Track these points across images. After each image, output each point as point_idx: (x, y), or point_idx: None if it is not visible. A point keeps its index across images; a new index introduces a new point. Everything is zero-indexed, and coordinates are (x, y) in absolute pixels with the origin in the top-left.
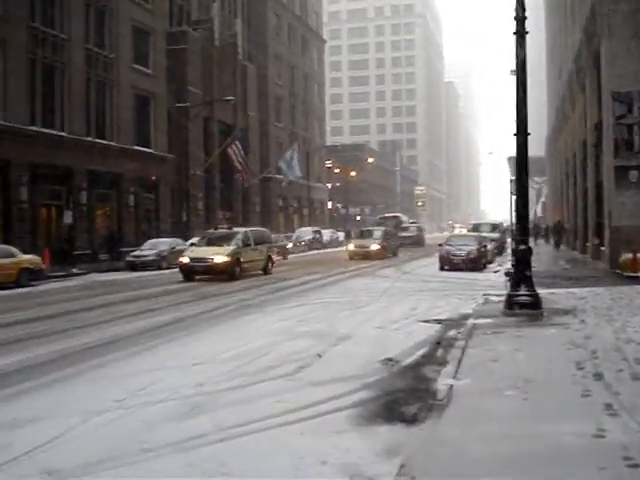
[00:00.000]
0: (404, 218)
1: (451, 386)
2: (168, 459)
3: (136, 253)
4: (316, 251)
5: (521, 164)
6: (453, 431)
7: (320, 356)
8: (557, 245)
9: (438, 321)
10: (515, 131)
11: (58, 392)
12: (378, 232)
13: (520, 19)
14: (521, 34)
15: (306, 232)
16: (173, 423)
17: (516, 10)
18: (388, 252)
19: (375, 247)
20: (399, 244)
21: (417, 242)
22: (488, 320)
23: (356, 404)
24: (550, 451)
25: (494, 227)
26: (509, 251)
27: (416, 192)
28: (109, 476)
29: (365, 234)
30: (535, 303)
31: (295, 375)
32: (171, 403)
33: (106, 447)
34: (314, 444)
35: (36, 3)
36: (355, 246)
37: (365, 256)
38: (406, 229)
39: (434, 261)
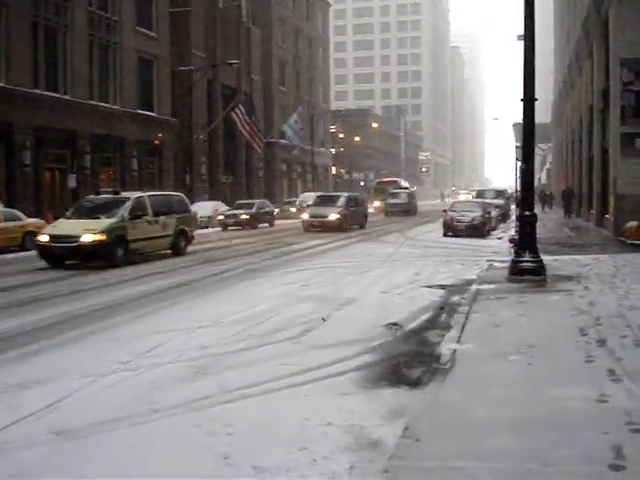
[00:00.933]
0: (404, 183)
1: (454, 350)
2: (175, 419)
3: None
4: None
5: (527, 130)
6: (457, 395)
7: (324, 320)
8: (567, 213)
9: (442, 286)
10: (522, 97)
11: (64, 354)
12: (341, 199)
13: None
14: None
15: (309, 197)
16: (179, 385)
17: None
18: (351, 223)
19: (334, 217)
20: (365, 213)
21: (407, 210)
22: (492, 286)
23: (360, 367)
24: (554, 415)
25: (498, 194)
26: (513, 218)
27: (420, 158)
28: (118, 436)
29: (325, 201)
30: (539, 269)
31: (300, 338)
32: (177, 365)
33: (113, 408)
34: (319, 406)
35: None
36: (310, 215)
37: (322, 228)
38: (395, 195)
39: (414, 236)
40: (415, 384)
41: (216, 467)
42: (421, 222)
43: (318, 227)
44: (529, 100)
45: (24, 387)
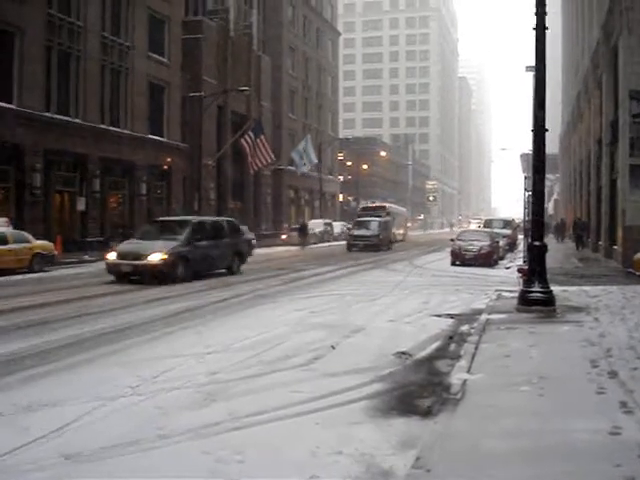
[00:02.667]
0: (396, 208)
1: (465, 380)
2: (184, 445)
3: None
4: (327, 243)
5: (537, 161)
6: (467, 425)
7: (334, 347)
8: (578, 245)
9: (450, 315)
10: (531, 128)
11: (72, 377)
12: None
13: (540, 14)
14: (541, 29)
15: (317, 224)
16: (188, 411)
17: (536, 5)
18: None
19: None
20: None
21: (375, 245)
22: (501, 316)
23: (371, 396)
24: (566, 447)
25: (506, 223)
26: (520, 248)
27: (427, 187)
28: (126, 461)
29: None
30: (549, 300)
31: (310, 365)
32: (185, 391)
33: (122, 432)
34: (330, 434)
35: None
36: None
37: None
38: (361, 225)
39: (422, 265)
40: (426, 414)
41: None
42: (428, 251)
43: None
44: (539, 131)
45: (33, 409)
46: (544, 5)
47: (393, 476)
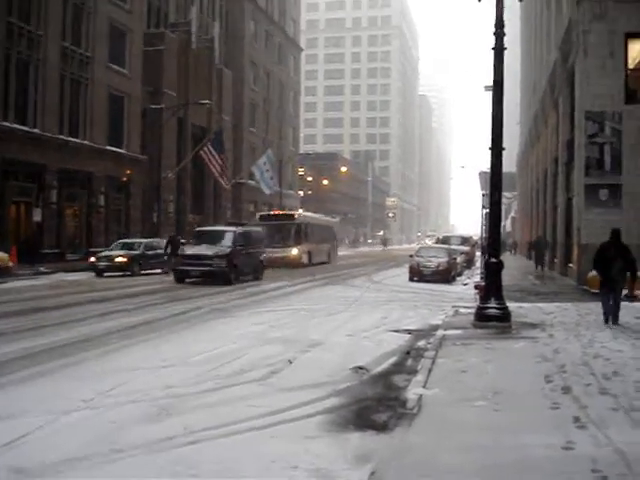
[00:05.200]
0: (313, 218)
1: (421, 395)
2: (138, 460)
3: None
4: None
5: (494, 179)
6: (423, 439)
7: (291, 362)
8: (538, 263)
9: (408, 331)
10: (489, 146)
11: (25, 390)
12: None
13: (498, 34)
14: (499, 50)
15: None
16: (142, 425)
17: (495, 26)
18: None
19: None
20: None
21: (222, 274)
22: (458, 331)
23: (327, 410)
24: (520, 462)
25: (464, 240)
26: (478, 264)
27: (387, 203)
28: (78, 476)
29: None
30: (504, 316)
31: (266, 380)
32: (140, 405)
33: (75, 447)
34: (285, 449)
35: None
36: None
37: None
38: (202, 238)
39: (380, 280)
40: (382, 428)
41: None
42: (388, 266)
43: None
44: (496, 150)
45: None
46: (502, 26)
47: None
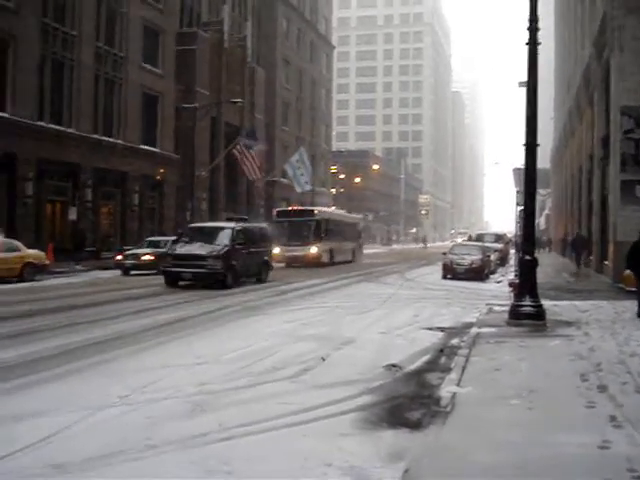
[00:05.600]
0: (333, 214)
1: (454, 393)
2: (172, 456)
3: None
4: None
5: (529, 177)
6: (457, 437)
7: (324, 359)
8: (579, 263)
9: (441, 329)
10: (524, 142)
11: (61, 387)
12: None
13: (532, 29)
14: (533, 45)
15: None
16: (177, 421)
17: (529, 21)
18: None
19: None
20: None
21: (217, 274)
22: (492, 329)
23: (360, 408)
24: (555, 460)
25: (498, 237)
26: (512, 262)
27: (420, 200)
28: (114, 470)
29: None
30: (539, 314)
31: (299, 377)
32: (175, 401)
33: (110, 442)
34: (318, 446)
35: None
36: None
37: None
38: (195, 236)
39: (414, 278)
40: (415, 426)
41: None
42: (420, 264)
43: None
44: (531, 146)
45: (20, 419)
46: (536, 21)
47: None
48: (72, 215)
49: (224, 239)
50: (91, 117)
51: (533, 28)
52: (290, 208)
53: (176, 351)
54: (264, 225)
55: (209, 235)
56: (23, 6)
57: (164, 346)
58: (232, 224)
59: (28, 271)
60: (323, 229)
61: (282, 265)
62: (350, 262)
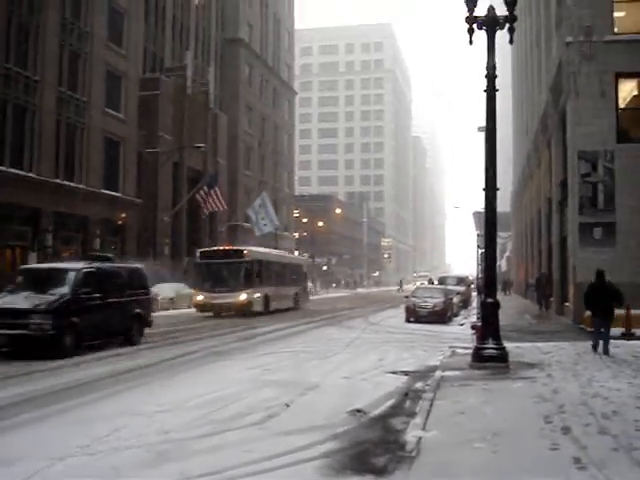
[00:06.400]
0: (269, 255)
1: (420, 438)
2: None
3: None
4: None
5: (489, 219)
6: None
7: (288, 405)
8: (541, 304)
9: (405, 373)
10: (483, 186)
11: (20, 436)
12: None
13: (490, 77)
14: (491, 91)
15: None
16: (140, 470)
17: (487, 68)
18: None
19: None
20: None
21: (39, 339)
22: (455, 372)
23: (325, 454)
24: None
25: (460, 280)
26: (474, 304)
27: (383, 244)
28: None
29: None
30: (502, 356)
31: (264, 424)
32: (137, 450)
33: None
34: None
35: (11, 43)
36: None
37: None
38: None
39: (377, 322)
40: (381, 472)
41: None
42: (384, 307)
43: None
44: (491, 189)
45: None
46: (494, 68)
47: None
48: (32, 260)
49: (63, 286)
50: (52, 161)
51: (491, 76)
52: (215, 248)
53: (138, 398)
54: (137, 266)
55: (45, 281)
56: None
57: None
58: (79, 264)
59: None
60: (255, 272)
61: (210, 314)
62: (293, 309)
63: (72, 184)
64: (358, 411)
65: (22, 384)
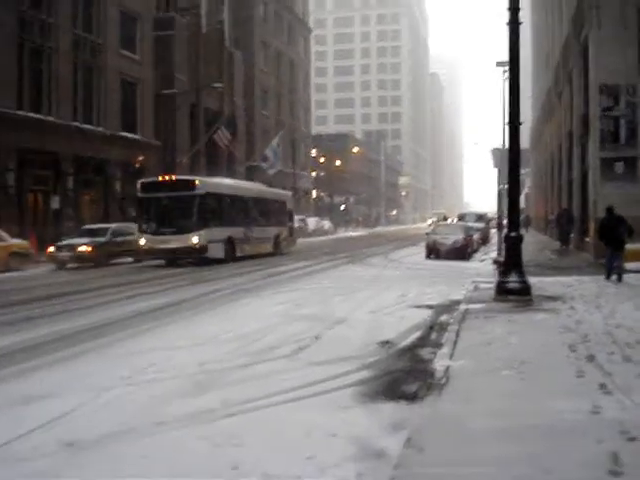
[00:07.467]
0: (231, 187)
1: (448, 367)
2: (181, 432)
3: None
4: (302, 239)
5: (513, 155)
6: (454, 407)
7: (318, 338)
8: (564, 241)
9: (429, 306)
10: (506, 122)
11: (64, 370)
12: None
13: (513, 9)
14: (514, 24)
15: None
16: (181, 399)
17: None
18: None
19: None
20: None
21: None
22: (479, 305)
23: (358, 382)
24: (549, 425)
25: (479, 217)
26: (493, 241)
27: (400, 182)
28: (127, 447)
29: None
30: (525, 290)
31: (296, 355)
32: (177, 380)
33: (120, 420)
34: (321, 419)
35: None
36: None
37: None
38: None
39: (398, 259)
40: (413, 398)
41: (226, 476)
42: (403, 245)
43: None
44: (514, 124)
45: (28, 402)
46: (517, 0)
47: (387, 456)
48: (54, 204)
49: None
50: (70, 105)
51: (514, 7)
52: (161, 179)
53: (174, 334)
54: None
55: None
56: None
57: (162, 329)
58: None
59: (14, 261)
60: (211, 208)
61: (161, 262)
62: (271, 254)
63: (91, 127)
64: (386, 343)
65: None
